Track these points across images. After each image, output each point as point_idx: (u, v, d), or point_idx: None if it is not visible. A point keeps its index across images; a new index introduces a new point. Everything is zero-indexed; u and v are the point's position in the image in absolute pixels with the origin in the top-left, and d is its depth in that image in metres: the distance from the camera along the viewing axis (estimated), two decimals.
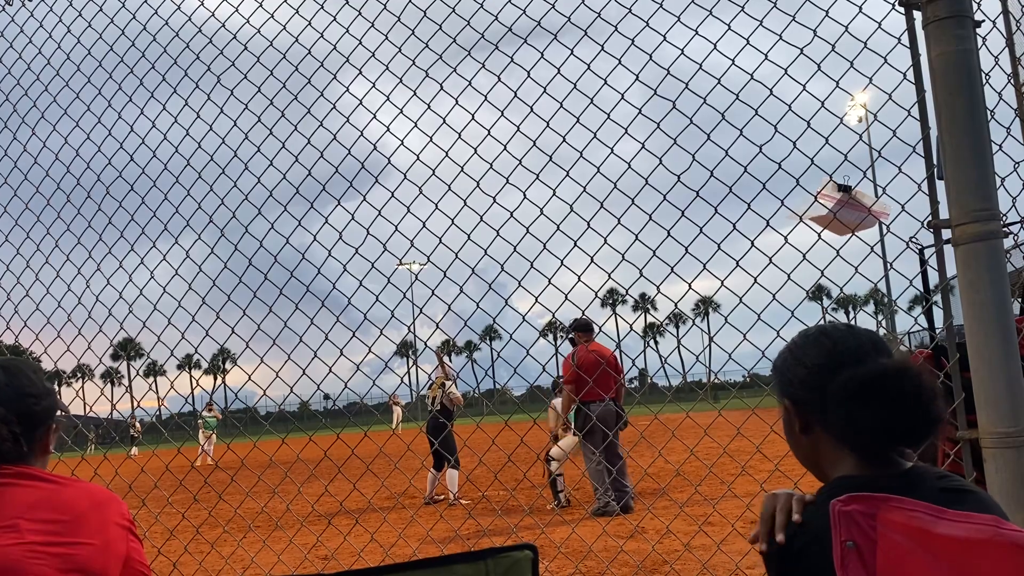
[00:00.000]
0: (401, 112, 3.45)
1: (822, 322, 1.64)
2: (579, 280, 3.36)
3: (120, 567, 1.72)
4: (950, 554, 1.09)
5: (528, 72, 3.27)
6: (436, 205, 3.39)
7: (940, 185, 2.40)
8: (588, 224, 3.21)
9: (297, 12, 3.58)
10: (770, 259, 2.89)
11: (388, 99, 3.47)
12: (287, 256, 3.78)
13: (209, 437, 24.40)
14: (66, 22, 4.07)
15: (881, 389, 1.31)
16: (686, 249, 3.06)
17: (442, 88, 3.39)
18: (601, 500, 8.38)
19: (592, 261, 3.27)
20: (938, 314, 2.65)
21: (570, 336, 9.09)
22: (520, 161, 3.26)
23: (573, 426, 8.77)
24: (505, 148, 3.30)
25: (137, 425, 27.45)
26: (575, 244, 3.22)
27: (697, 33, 3.04)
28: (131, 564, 1.75)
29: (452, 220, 3.36)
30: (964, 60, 2.25)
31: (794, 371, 1.47)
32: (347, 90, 3.70)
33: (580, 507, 9.05)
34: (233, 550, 6.28)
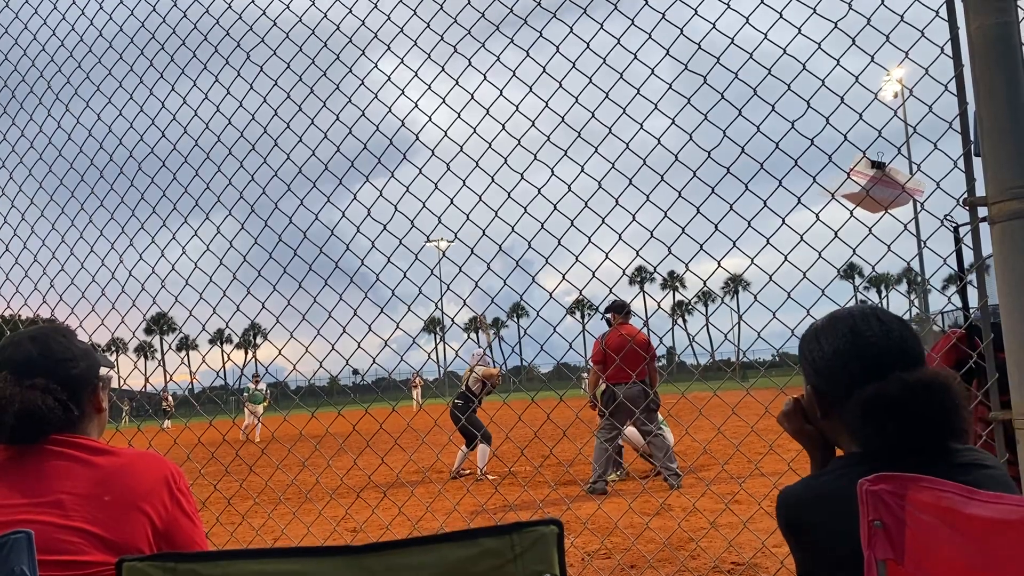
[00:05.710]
0: (429, 88, 3.44)
1: (855, 302, 1.64)
2: (607, 257, 3.35)
3: (165, 545, 1.66)
4: (980, 534, 1.08)
5: (557, 47, 3.24)
6: (464, 182, 3.39)
7: (977, 162, 2.35)
8: (616, 201, 3.19)
9: None
10: (801, 236, 2.86)
11: (416, 75, 3.46)
12: (316, 232, 3.80)
13: (255, 411, 21.39)
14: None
15: (902, 409, 1.31)
16: (716, 226, 3.03)
17: (470, 64, 3.37)
18: (594, 477, 8.46)
19: (620, 238, 3.24)
20: (972, 294, 2.61)
21: (606, 316, 9.06)
22: (548, 137, 3.24)
23: (599, 405, 8.78)
24: (533, 124, 3.28)
25: (169, 399, 27.83)
26: (603, 221, 3.20)
27: (729, 6, 2.99)
28: (175, 540, 1.68)
29: (480, 197, 3.36)
30: (1004, 33, 2.19)
31: (819, 363, 1.47)
32: (375, 66, 3.70)
33: (608, 484, 9.07)
34: (264, 521, 6.39)
